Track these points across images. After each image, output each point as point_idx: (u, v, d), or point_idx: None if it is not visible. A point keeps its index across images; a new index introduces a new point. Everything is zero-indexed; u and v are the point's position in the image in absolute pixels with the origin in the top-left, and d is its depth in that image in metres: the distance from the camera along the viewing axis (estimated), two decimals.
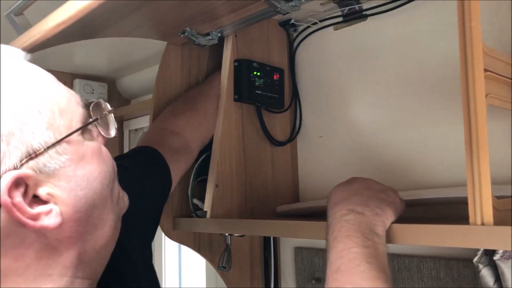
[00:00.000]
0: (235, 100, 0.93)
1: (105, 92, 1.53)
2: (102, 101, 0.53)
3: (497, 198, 0.54)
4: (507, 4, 0.72)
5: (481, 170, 0.52)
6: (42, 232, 0.45)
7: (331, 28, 0.98)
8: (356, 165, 0.96)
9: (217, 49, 0.98)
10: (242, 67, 0.93)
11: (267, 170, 0.99)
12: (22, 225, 0.43)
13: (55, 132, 0.45)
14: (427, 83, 0.85)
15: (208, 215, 0.85)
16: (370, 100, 0.94)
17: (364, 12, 0.91)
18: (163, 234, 0.96)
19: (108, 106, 0.53)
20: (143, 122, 1.53)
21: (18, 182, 0.43)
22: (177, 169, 0.85)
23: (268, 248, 1.08)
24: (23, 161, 0.43)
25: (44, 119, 0.45)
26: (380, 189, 0.63)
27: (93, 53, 1.35)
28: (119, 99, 1.58)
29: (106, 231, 0.51)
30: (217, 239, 1.01)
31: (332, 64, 0.99)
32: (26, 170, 0.43)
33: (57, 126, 0.46)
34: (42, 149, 0.44)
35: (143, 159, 0.81)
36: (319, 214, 0.66)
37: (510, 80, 0.59)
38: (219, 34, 0.92)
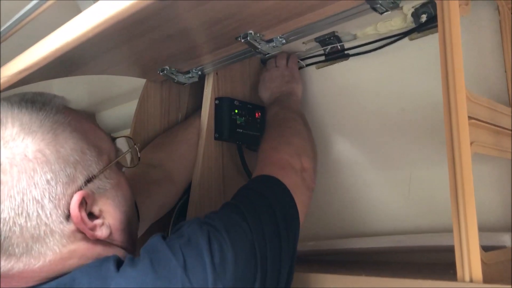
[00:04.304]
0: (215, 138, 0.90)
1: None
2: (124, 138, 0.73)
3: (485, 250, 0.52)
4: (490, 49, 0.72)
5: (467, 223, 0.50)
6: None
7: (313, 66, 0.97)
8: (338, 206, 0.93)
9: (198, 86, 0.96)
10: (223, 105, 0.91)
11: None
12: (80, 234, 0.53)
13: (102, 162, 0.57)
14: (410, 123, 0.84)
15: None
16: (352, 139, 0.92)
17: (346, 52, 0.90)
18: None
19: (131, 141, 0.73)
20: None
21: (82, 201, 0.53)
22: (149, 202, 0.80)
23: None
24: (85, 183, 0.54)
25: (95, 151, 0.57)
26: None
27: (72, 87, 1.32)
28: None
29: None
30: None
31: (314, 102, 0.98)
32: (87, 190, 0.54)
33: (103, 158, 0.58)
34: (97, 174, 0.56)
35: None
36: (300, 257, 0.64)
37: (494, 127, 0.58)
38: (200, 72, 0.90)
